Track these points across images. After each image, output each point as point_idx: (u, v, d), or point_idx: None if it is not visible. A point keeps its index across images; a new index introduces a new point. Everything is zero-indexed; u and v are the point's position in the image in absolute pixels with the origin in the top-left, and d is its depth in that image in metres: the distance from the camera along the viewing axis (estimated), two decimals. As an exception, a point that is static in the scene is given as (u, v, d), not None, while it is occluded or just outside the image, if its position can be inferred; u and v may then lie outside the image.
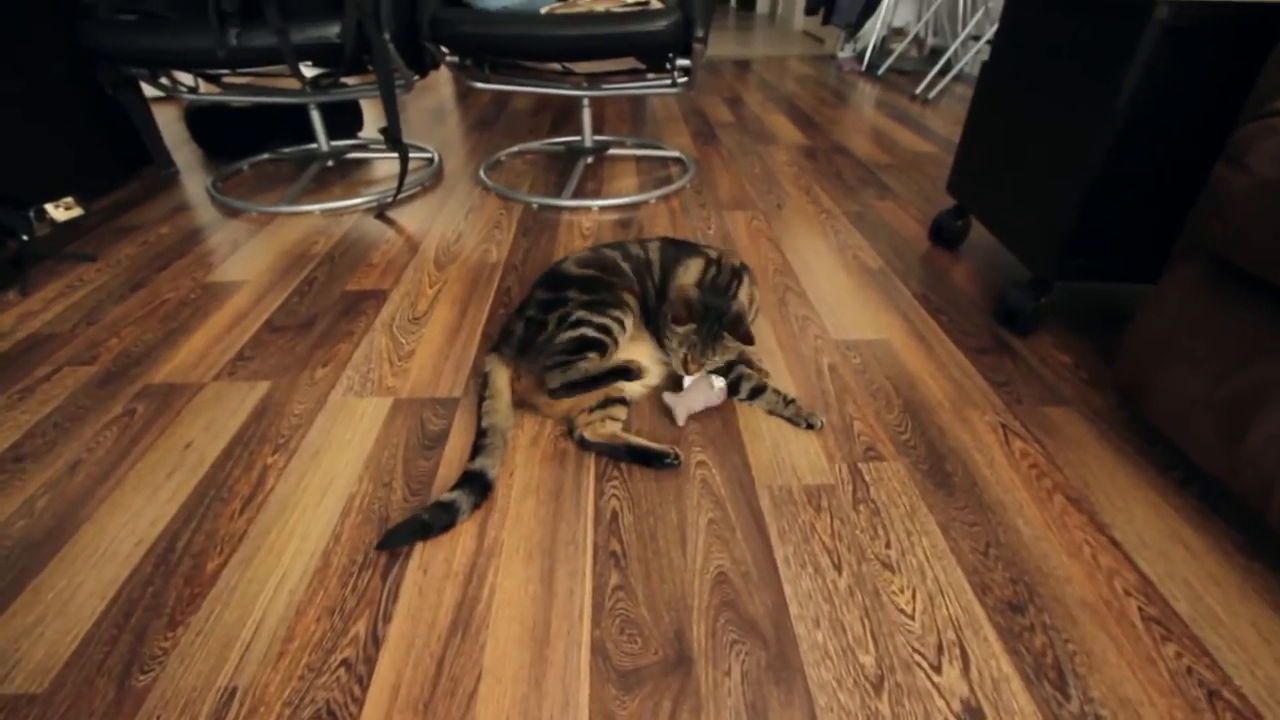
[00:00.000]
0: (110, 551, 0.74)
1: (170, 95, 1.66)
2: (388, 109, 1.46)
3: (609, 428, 0.87)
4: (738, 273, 1.00)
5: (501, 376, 0.92)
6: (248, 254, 1.44)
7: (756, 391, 0.95)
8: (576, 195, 1.73)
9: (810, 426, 0.91)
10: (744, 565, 0.72)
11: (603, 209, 1.67)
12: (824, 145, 2.20)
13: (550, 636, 0.65)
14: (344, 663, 0.63)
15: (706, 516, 0.78)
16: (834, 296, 1.27)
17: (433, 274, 1.35)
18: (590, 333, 0.88)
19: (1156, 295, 0.83)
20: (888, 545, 0.75)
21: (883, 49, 3.40)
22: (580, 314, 0.90)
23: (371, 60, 1.44)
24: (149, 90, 1.74)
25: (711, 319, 0.90)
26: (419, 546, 0.74)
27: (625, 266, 1.00)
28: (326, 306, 1.23)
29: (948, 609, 0.68)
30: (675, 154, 2.05)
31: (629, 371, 0.87)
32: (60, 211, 1.34)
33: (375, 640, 0.65)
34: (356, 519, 0.78)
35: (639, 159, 2.04)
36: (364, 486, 0.82)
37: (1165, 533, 0.76)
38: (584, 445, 0.87)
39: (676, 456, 0.84)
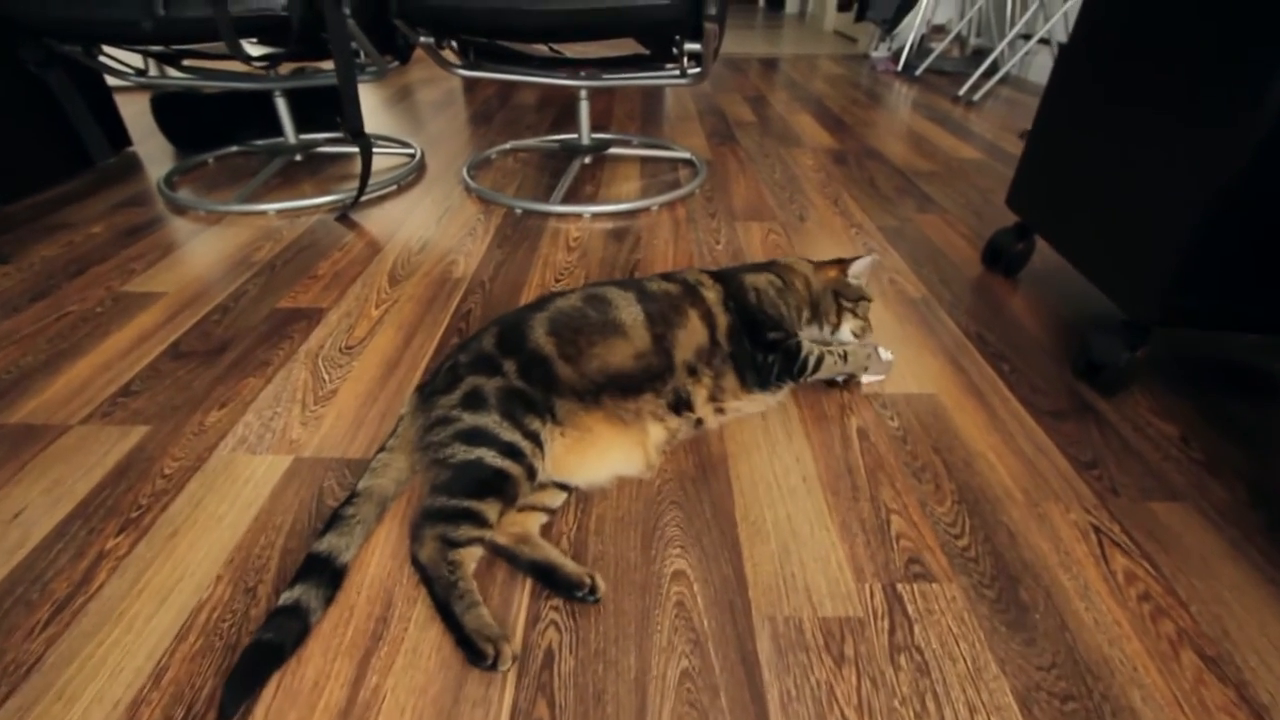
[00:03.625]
0: None
1: (118, 78, 1.47)
2: (345, 95, 1.25)
3: (527, 524, 0.65)
4: None
5: (416, 424, 0.71)
6: (179, 260, 1.25)
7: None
8: (567, 199, 1.51)
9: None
10: (727, 758, 0.49)
11: (595, 216, 1.44)
12: (855, 149, 1.95)
13: None
14: None
15: (679, 665, 0.55)
16: (865, 333, 1.03)
17: (383, 290, 1.14)
18: (491, 459, 0.63)
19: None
20: (942, 729, 0.51)
21: (921, 48, 3.14)
22: (489, 420, 0.65)
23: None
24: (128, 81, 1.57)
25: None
26: (266, 699, 0.52)
27: (629, 316, 0.76)
28: (248, 328, 1.02)
29: None
30: (685, 155, 1.82)
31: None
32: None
33: None
34: (195, 644, 0.56)
35: (644, 160, 1.82)
36: (219, 591, 0.61)
37: (1359, 726, 0.52)
38: (492, 548, 0.64)
39: (593, 591, 0.59)
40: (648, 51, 1.43)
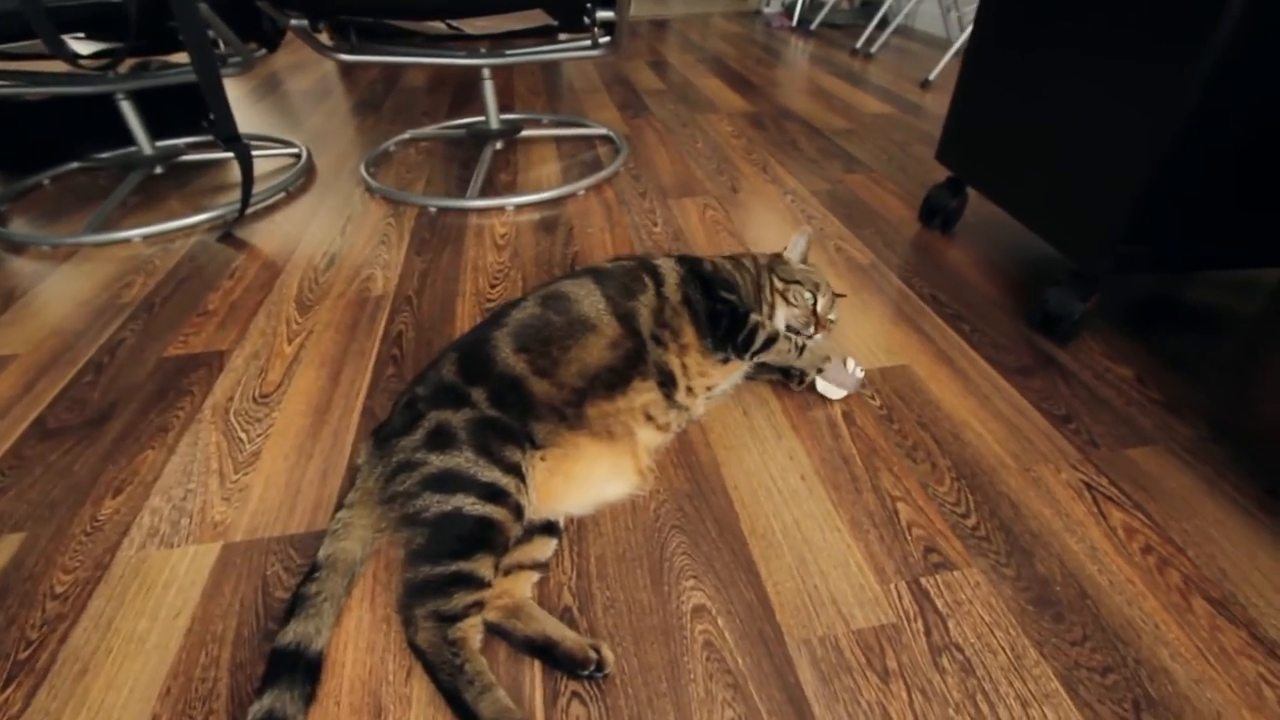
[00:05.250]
0: None
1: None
2: (209, 95, 1.07)
3: (517, 593, 0.57)
4: None
5: (375, 473, 0.62)
6: (27, 311, 1.04)
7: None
8: (485, 192, 1.38)
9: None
10: (798, 817, 0.45)
11: (519, 208, 1.33)
12: (769, 111, 1.92)
13: None
14: None
15: (724, 716, 0.50)
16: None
17: (293, 320, 0.99)
18: (471, 508, 0.55)
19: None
20: (1000, 732, 0.49)
21: (813, 2, 3.14)
22: (462, 459, 0.58)
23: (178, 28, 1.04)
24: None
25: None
26: None
27: (593, 306, 0.71)
28: (133, 386, 0.86)
29: None
30: (603, 131, 1.72)
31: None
32: None
33: None
34: (139, 811, 0.46)
35: (559, 140, 1.71)
36: (159, 734, 0.50)
37: (1356, 646, 0.54)
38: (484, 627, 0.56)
39: (600, 666, 0.52)
40: (555, 22, 1.32)
